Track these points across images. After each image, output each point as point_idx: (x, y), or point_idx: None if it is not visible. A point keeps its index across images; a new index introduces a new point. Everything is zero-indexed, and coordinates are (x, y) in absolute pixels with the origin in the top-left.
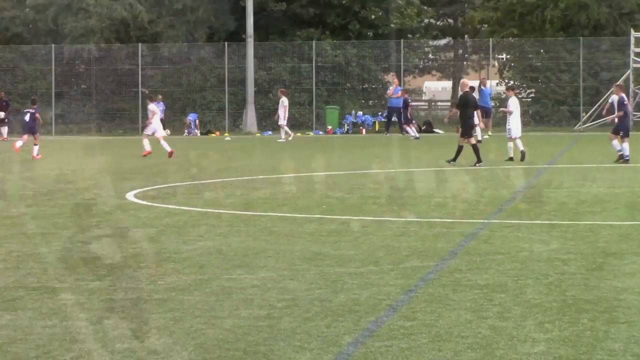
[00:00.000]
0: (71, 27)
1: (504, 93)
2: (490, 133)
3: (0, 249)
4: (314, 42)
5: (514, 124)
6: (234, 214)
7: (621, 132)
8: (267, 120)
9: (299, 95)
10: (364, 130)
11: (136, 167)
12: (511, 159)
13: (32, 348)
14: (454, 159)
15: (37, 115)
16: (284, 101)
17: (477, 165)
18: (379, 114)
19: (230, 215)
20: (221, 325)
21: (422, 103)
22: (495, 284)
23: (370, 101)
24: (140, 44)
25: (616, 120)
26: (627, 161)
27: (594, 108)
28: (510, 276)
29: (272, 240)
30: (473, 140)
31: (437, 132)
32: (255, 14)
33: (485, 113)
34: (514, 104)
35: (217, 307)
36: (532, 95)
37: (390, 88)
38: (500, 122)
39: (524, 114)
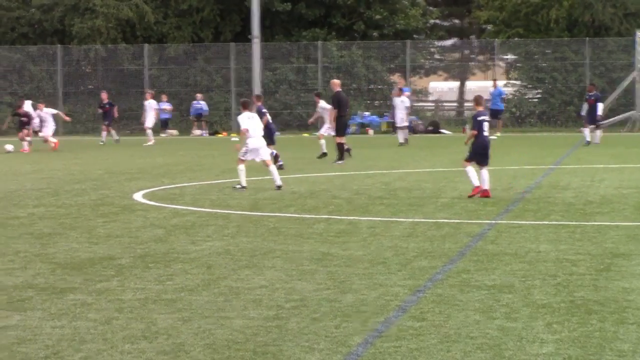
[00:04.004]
0: (78, 27)
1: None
2: (498, 134)
3: (8, 249)
4: (319, 43)
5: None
6: (242, 214)
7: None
8: (273, 120)
9: (304, 95)
10: (371, 131)
11: (144, 167)
12: (325, 154)
13: (41, 348)
14: (340, 158)
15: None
16: (152, 104)
17: (337, 162)
18: (385, 114)
19: (238, 215)
20: (230, 325)
21: (429, 104)
22: (503, 284)
23: (376, 102)
24: (146, 45)
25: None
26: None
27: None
28: (518, 277)
29: (280, 241)
30: (338, 140)
31: (444, 133)
32: (261, 14)
33: (493, 114)
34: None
35: (225, 308)
36: (539, 95)
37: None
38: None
39: (530, 114)
